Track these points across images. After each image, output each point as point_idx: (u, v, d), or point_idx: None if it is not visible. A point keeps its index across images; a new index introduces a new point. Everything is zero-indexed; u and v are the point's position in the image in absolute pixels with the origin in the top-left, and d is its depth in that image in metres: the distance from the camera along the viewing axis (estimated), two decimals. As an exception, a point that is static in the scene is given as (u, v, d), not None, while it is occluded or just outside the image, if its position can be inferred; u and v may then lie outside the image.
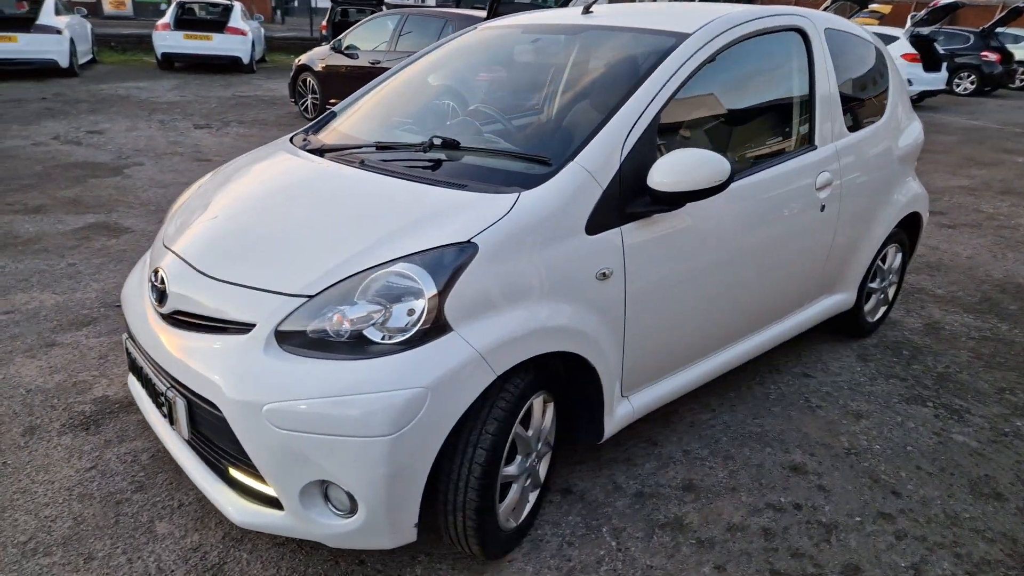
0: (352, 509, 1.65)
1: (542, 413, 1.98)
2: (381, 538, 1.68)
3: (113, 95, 10.38)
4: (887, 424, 2.76)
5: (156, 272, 1.96)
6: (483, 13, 7.67)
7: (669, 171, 1.95)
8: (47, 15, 11.83)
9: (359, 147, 2.31)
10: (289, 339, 1.65)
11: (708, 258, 2.27)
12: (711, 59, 2.28)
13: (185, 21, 14.06)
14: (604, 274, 1.94)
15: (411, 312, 1.63)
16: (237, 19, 14.27)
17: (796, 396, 2.94)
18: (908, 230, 3.55)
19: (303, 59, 9.28)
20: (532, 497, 2.07)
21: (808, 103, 2.69)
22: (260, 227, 1.93)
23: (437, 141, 2.16)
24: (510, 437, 1.81)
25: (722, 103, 2.44)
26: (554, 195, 1.86)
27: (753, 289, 2.51)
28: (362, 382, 1.58)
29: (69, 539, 1.97)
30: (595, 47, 2.52)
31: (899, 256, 3.50)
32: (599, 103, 2.14)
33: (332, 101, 8.50)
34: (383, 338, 1.63)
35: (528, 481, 1.98)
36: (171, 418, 1.87)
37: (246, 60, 14.06)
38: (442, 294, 1.65)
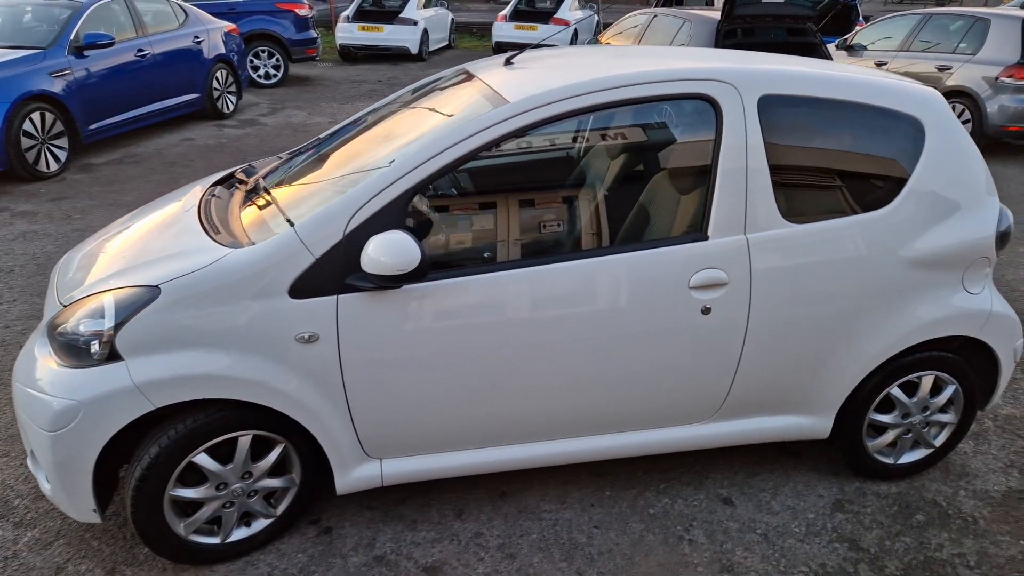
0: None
1: (249, 451, 2.14)
2: (69, 510, 2.09)
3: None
4: (748, 593, 2.20)
5: None
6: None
7: (373, 251, 1.92)
8: (410, 9, 14.19)
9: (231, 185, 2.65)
10: (54, 337, 2.13)
11: (484, 343, 2.11)
12: (519, 132, 2.08)
13: (520, 12, 15.52)
14: (306, 337, 2.01)
15: (96, 338, 1.97)
16: (565, 11, 15.26)
17: (680, 521, 2.48)
18: (978, 361, 2.59)
19: None
20: (258, 524, 2.27)
21: (707, 185, 2.20)
22: (108, 246, 2.42)
23: (259, 187, 2.41)
24: (182, 464, 2.04)
25: (560, 178, 2.18)
26: (256, 258, 1.99)
27: (570, 386, 2.23)
28: (49, 383, 1.99)
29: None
30: (451, 104, 2.43)
31: (949, 390, 2.57)
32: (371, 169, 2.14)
33: None
34: (95, 354, 2.00)
35: (231, 507, 2.18)
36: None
37: (564, 49, 15.03)
38: (118, 327, 1.95)
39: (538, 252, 2.21)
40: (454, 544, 2.35)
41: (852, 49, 9.35)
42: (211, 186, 2.71)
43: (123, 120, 6.99)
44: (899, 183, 2.33)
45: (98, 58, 6.64)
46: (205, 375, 1.97)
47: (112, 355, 1.96)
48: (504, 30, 15.32)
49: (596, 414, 2.32)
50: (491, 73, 2.52)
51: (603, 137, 2.28)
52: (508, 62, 2.62)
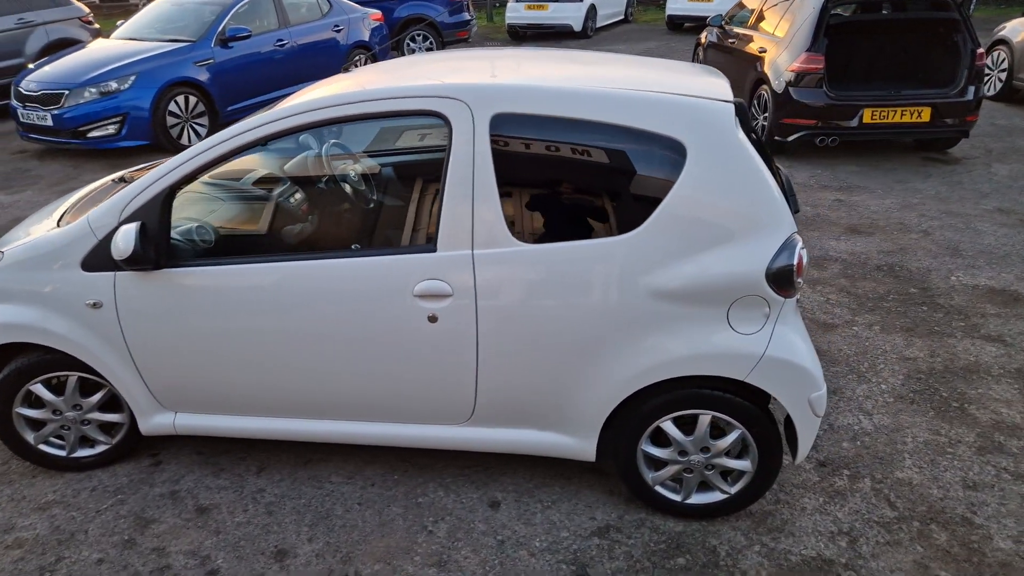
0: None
1: (77, 388, 2.69)
2: None
3: (579, 61, 12.19)
4: (438, 590, 2.30)
5: None
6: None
7: (117, 238, 2.32)
8: (582, -15, 14.32)
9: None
10: None
11: (229, 326, 2.44)
12: (263, 141, 2.35)
13: None
14: (95, 304, 2.49)
15: None
16: None
17: (435, 514, 2.61)
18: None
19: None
20: (100, 447, 2.83)
21: (438, 199, 2.27)
22: (29, 218, 3.10)
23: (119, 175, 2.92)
24: (21, 391, 2.65)
25: (313, 182, 2.40)
26: (59, 236, 2.51)
27: (312, 373, 2.47)
28: None
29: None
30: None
31: (734, 435, 2.37)
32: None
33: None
34: None
35: (70, 431, 2.77)
36: None
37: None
38: (-23, 281, 2.60)
39: (288, 250, 2.46)
40: (236, 494, 2.74)
41: None
42: (132, 172, 3.31)
43: (258, 102, 8.14)
44: (649, 209, 2.21)
45: (240, 49, 7.80)
46: (23, 324, 2.54)
47: (-22, 302, 2.62)
48: (679, 3, 14.81)
49: (344, 402, 2.54)
50: (321, 81, 2.78)
51: (359, 147, 2.45)
52: (345, 70, 2.85)
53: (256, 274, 2.40)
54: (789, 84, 6.18)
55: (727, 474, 2.52)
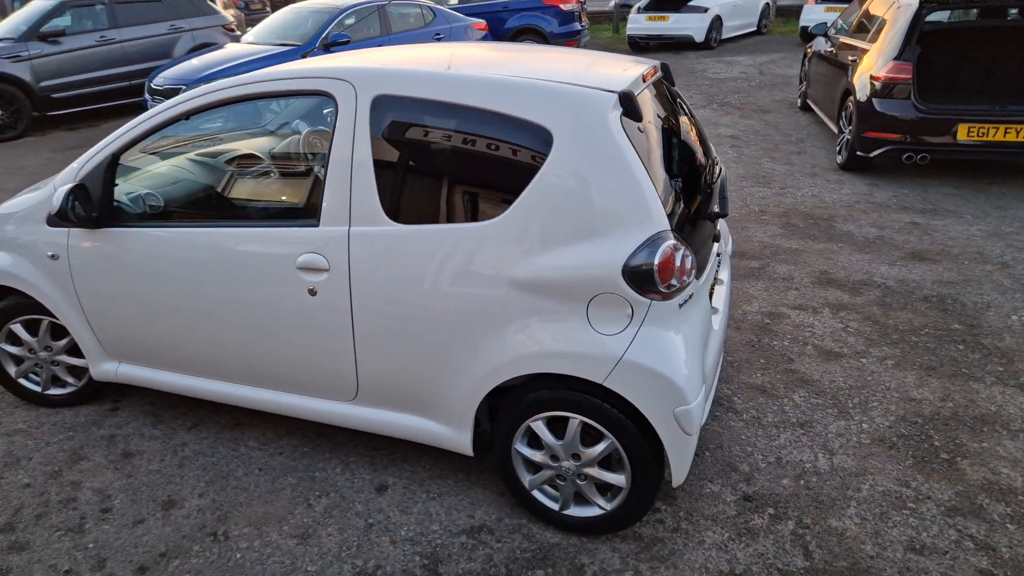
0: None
1: (48, 332, 3.01)
2: None
3: (691, 68, 11.79)
4: (324, 545, 2.32)
5: None
6: None
7: (53, 196, 2.57)
8: (706, -5, 13.86)
9: None
10: None
11: (152, 285, 2.63)
12: (185, 116, 2.52)
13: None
14: (53, 256, 2.78)
15: None
16: None
17: (322, 489, 2.64)
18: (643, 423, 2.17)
19: None
20: (69, 388, 3.14)
21: (322, 175, 2.31)
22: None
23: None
24: (4, 329, 3.01)
25: (223, 156, 2.53)
26: (36, 196, 2.83)
27: (219, 335, 2.59)
28: None
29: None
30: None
31: (604, 444, 2.20)
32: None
33: None
34: None
35: (40, 368, 3.09)
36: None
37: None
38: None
39: (205, 218, 2.60)
40: (162, 444, 2.92)
41: None
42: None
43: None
44: (515, 196, 2.11)
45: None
46: (3, 269, 2.88)
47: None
48: (814, 13, 13.93)
49: (243, 366, 2.63)
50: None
51: (265, 124, 2.55)
52: (304, 56, 2.97)
53: (172, 238, 2.56)
54: (873, 95, 5.61)
55: (607, 489, 2.35)
